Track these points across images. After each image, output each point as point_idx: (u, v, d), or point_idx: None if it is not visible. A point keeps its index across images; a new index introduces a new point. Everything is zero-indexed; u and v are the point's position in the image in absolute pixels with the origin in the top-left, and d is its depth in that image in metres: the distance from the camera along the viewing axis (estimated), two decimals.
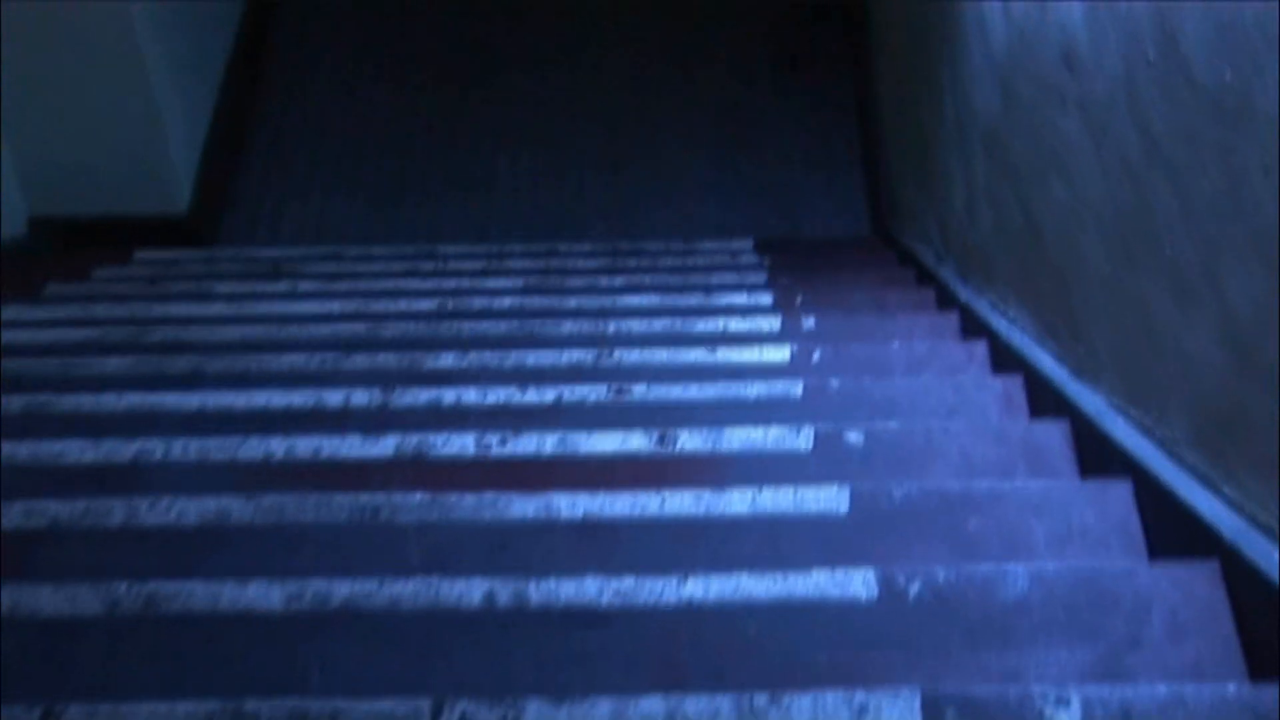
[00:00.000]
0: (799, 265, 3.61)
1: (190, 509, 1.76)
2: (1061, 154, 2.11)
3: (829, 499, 1.78)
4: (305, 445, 2.05)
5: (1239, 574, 1.51)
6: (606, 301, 3.17)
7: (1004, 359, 2.46)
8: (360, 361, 2.59)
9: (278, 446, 2.04)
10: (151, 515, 1.76)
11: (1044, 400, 2.21)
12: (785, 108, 4.73)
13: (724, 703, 1.29)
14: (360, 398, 2.32)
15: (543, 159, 4.58)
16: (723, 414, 2.23)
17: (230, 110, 4.48)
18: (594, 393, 2.32)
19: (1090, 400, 2.01)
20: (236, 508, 1.77)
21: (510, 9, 5.10)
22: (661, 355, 2.59)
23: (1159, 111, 1.68)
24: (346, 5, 5.14)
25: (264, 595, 1.50)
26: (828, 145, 4.60)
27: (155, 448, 2.05)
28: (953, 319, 2.84)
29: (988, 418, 2.25)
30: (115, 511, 1.76)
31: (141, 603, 1.49)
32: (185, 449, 2.04)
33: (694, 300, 3.17)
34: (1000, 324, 2.54)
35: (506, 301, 3.19)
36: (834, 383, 2.34)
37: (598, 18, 5.08)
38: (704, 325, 2.86)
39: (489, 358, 2.59)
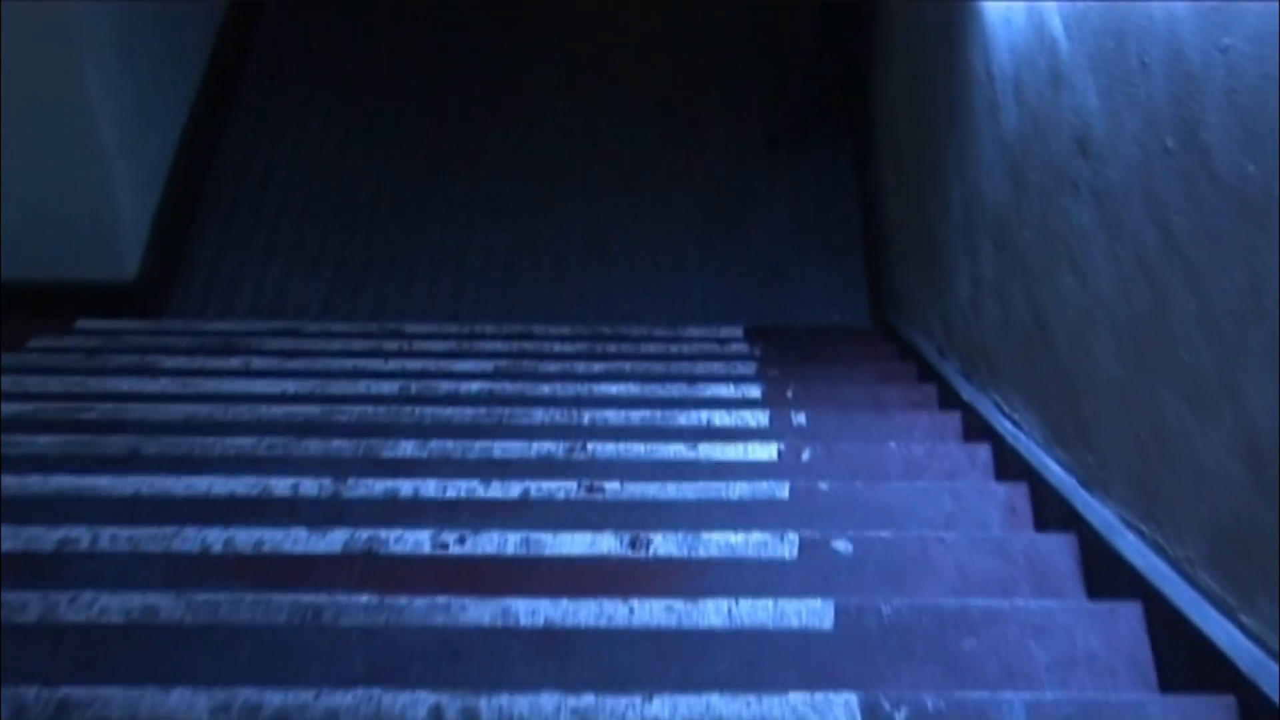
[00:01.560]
0: (791, 356, 3.61)
1: (114, 605, 1.73)
2: (1073, 247, 2.11)
3: (812, 613, 1.76)
4: (246, 537, 2.02)
5: (1257, 710, 1.49)
6: (582, 389, 3.16)
7: (1008, 465, 2.45)
8: (313, 447, 2.57)
9: (216, 538, 2.01)
10: (71, 611, 1.73)
11: (1050, 511, 2.19)
12: (781, 188, 4.75)
13: None
14: (310, 487, 2.29)
15: (519, 234, 4.59)
16: (701, 516, 2.21)
17: (188, 170, 4.48)
18: (563, 489, 2.30)
19: (1099, 513, 2.00)
20: (165, 605, 1.74)
21: (490, 72, 5.16)
22: (638, 450, 2.57)
23: (1177, 205, 1.68)
24: (317, 63, 5.18)
25: (187, 704, 1.47)
26: (826, 229, 4.62)
27: (81, 536, 2.01)
28: (955, 419, 2.83)
29: (989, 528, 2.23)
30: (30, 607, 1.73)
31: (51, 711, 1.46)
32: (115, 538, 2.01)
33: (676, 391, 3.16)
34: (1005, 426, 2.53)
35: (475, 386, 3.17)
36: (824, 485, 2.32)
37: (582, 86, 5.14)
38: (686, 418, 2.84)
39: (452, 447, 2.57)
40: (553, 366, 3.45)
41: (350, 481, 2.30)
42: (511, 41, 5.29)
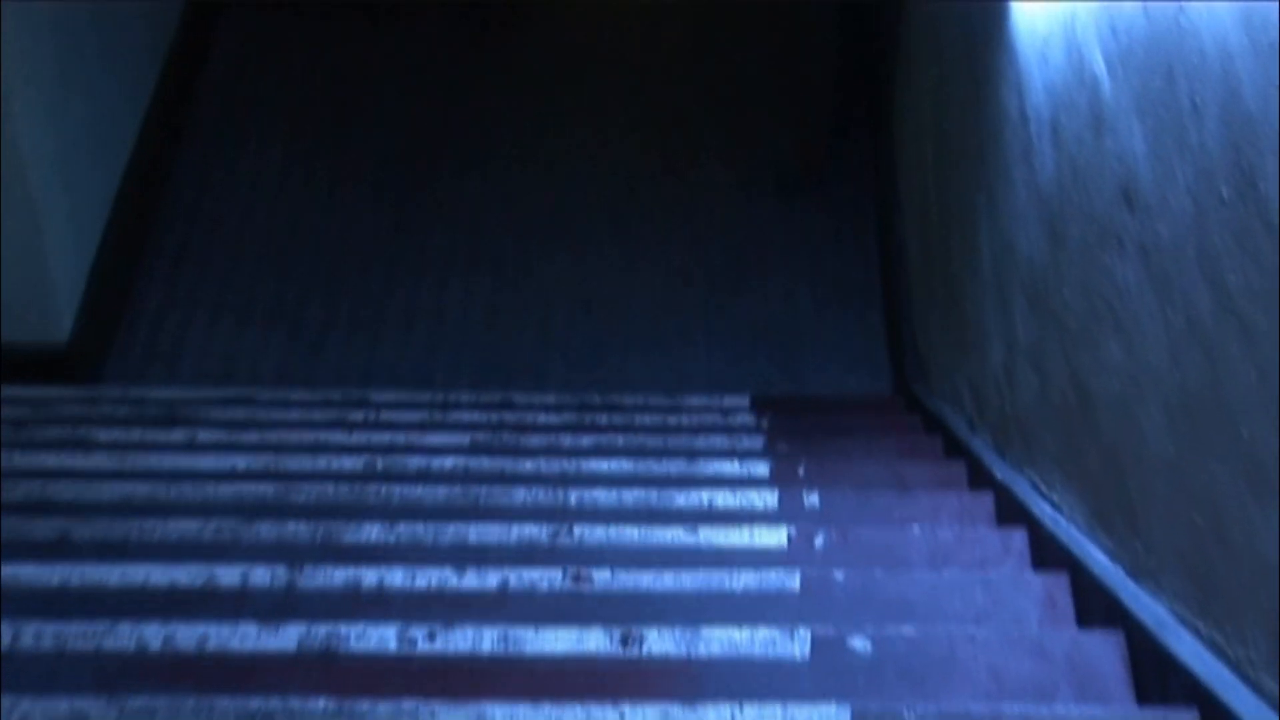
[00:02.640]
0: (803, 428, 3.60)
1: (36, 713, 1.71)
2: (1118, 308, 2.12)
3: None
4: (188, 634, 2.01)
5: None
6: (569, 466, 3.15)
7: (1047, 552, 2.44)
8: (265, 531, 2.56)
9: (154, 635, 2.00)
10: None
11: (1094, 605, 2.18)
12: (793, 237, 4.77)
13: None
14: (261, 576, 2.28)
15: (500, 290, 4.61)
16: (702, 609, 2.19)
17: (130, 215, 4.49)
18: (547, 579, 2.29)
19: (1150, 608, 1.99)
20: (95, 712, 1.73)
21: (469, 106, 5.21)
22: (631, 534, 2.56)
23: (1233, 262, 1.68)
24: (277, 93, 5.22)
25: None
26: (842, 284, 4.64)
27: (1, 633, 2.00)
28: (986, 501, 2.82)
29: (1025, 625, 2.22)
30: None
31: None
32: (39, 636, 1.99)
33: (674, 468, 3.15)
34: (1043, 509, 2.52)
35: (449, 462, 3.17)
36: (839, 575, 2.31)
37: (571, 122, 5.18)
38: (685, 499, 2.84)
39: (422, 531, 2.56)
40: (536, 440, 3.44)
41: (307, 570, 2.29)
42: (492, 72, 5.34)
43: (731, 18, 5.51)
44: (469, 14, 5.51)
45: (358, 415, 3.72)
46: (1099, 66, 2.21)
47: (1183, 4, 1.82)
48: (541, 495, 2.84)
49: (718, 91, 5.28)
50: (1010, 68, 2.84)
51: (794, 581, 2.28)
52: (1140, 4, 2.00)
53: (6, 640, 1.99)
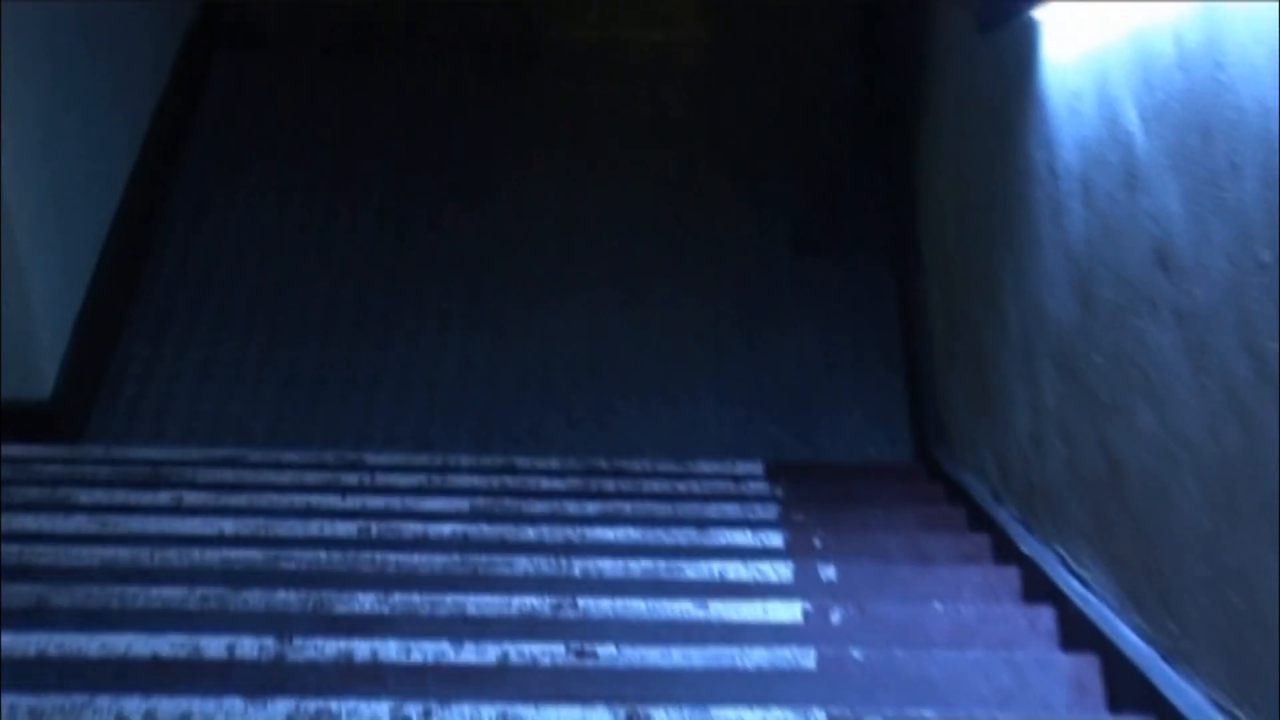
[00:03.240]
0: (820, 497, 3.60)
1: None
2: (1151, 375, 2.12)
3: None
4: (170, 709, 2.00)
5: None
6: (574, 534, 3.14)
7: (1076, 631, 2.43)
8: (253, 599, 2.55)
9: (135, 709, 1.99)
10: None
11: (1126, 689, 2.17)
12: (809, 296, 4.77)
13: None
14: (249, 647, 2.27)
15: (501, 347, 4.60)
16: (711, 688, 2.19)
17: (118, 265, 4.49)
18: (549, 653, 2.28)
19: (1186, 694, 1.97)
20: None
21: (470, 156, 5.21)
22: (638, 607, 2.55)
23: (1272, 328, 1.68)
24: (272, 138, 5.23)
25: None
26: (861, 346, 4.63)
27: None
28: (1012, 576, 2.81)
29: (1052, 709, 2.20)
30: None
31: None
32: (13, 710, 1.98)
33: (684, 537, 3.14)
34: (1072, 586, 2.52)
35: (447, 529, 3.16)
36: (857, 653, 2.30)
37: (576, 174, 5.20)
38: (695, 570, 2.83)
39: (418, 601, 2.55)
40: (539, 506, 3.43)
41: (297, 641, 2.28)
42: (496, 120, 5.36)
43: (746, 66, 5.55)
44: (472, 59, 5.54)
45: (352, 478, 3.71)
46: (1133, 122, 2.21)
47: (1220, 59, 1.83)
48: (544, 564, 2.83)
49: (731, 142, 5.30)
50: (1038, 120, 2.85)
51: (809, 659, 2.28)
52: (1176, 57, 2.01)
53: None
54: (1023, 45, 3.00)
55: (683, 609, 2.54)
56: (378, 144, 5.26)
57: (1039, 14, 2.88)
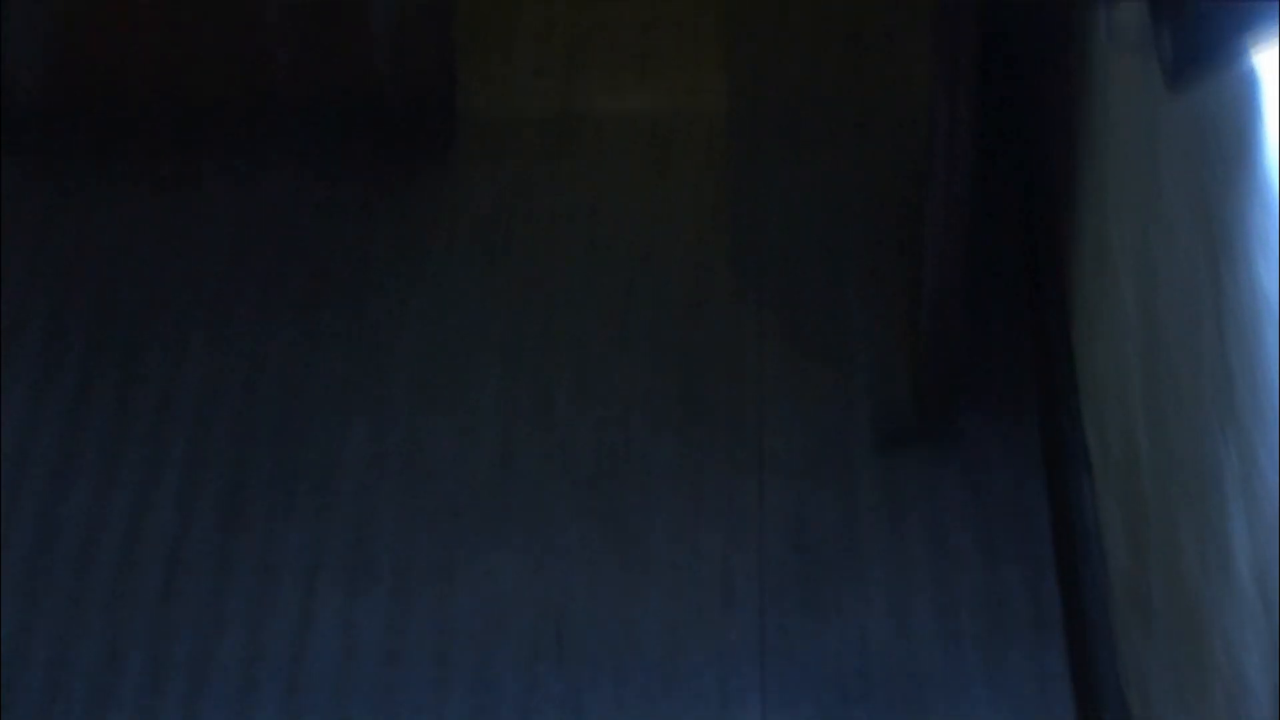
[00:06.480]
0: None
1: None
2: None
3: None
4: None
5: None
6: None
7: None
8: None
9: None
10: None
11: None
12: (903, 517, 4.35)
13: None
14: None
15: (403, 614, 4.17)
16: None
17: None
18: None
19: None
20: None
21: (353, 315, 4.85)
22: None
23: None
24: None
25: None
26: (991, 598, 4.21)
27: None
28: None
29: None
30: None
31: None
32: None
33: None
34: None
35: None
36: None
37: (516, 339, 4.83)
38: None
39: None
40: None
41: None
42: (396, 259, 5.03)
43: (788, 145, 5.25)
44: (357, 171, 5.27)
45: None
46: None
47: None
48: None
49: (764, 264, 4.96)
50: (1270, 227, 2.64)
51: None
52: None
53: None
54: (1237, 108, 2.85)
55: None
56: (209, 310, 4.90)
57: (1261, 59, 2.80)
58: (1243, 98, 2.81)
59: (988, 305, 4.68)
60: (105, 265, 5.04)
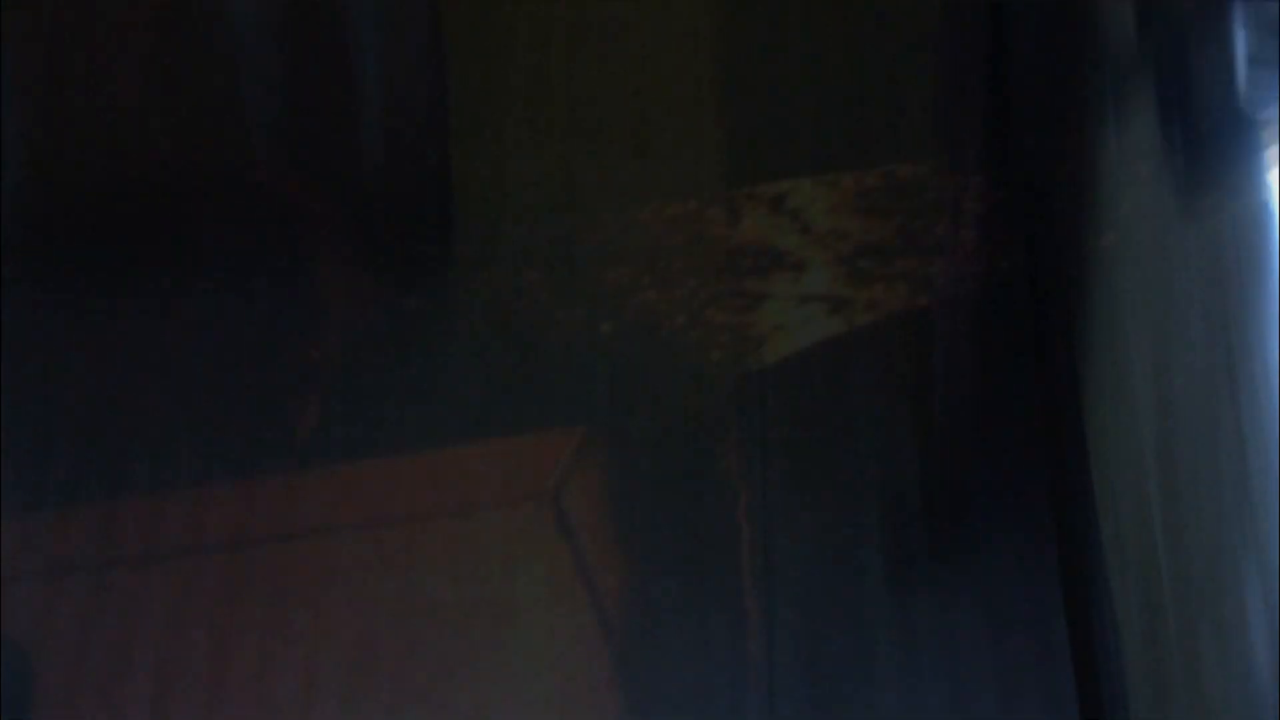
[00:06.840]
0: None
1: None
2: None
3: None
4: None
5: None
6: None
7: None
8: None
9: None
10: None
11: None
12: (917, 650, 3.96)
13: None
14: None
15: None
16: None
17: None
18: None
19: None
20: None
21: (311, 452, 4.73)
22: None
23: None
24: None
25: None
26: (1005, 707, 3.85)
27: None
28: None
29: None
30: None
31: None
32: None
33: None
34: None
35: None
36: None
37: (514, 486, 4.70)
38: None
39: None
40: None
41: None
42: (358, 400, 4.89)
43: None
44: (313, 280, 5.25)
45: None
46: None
47: None
48: None
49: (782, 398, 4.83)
50: None
51: None
52: None
53: None
54: (1254, 229, 2.88)
55: None
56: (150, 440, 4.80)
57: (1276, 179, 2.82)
58: (1259, 218, 2.82)
59: (1003, 420, 4.67)
60: (90, 375, 5.11)
